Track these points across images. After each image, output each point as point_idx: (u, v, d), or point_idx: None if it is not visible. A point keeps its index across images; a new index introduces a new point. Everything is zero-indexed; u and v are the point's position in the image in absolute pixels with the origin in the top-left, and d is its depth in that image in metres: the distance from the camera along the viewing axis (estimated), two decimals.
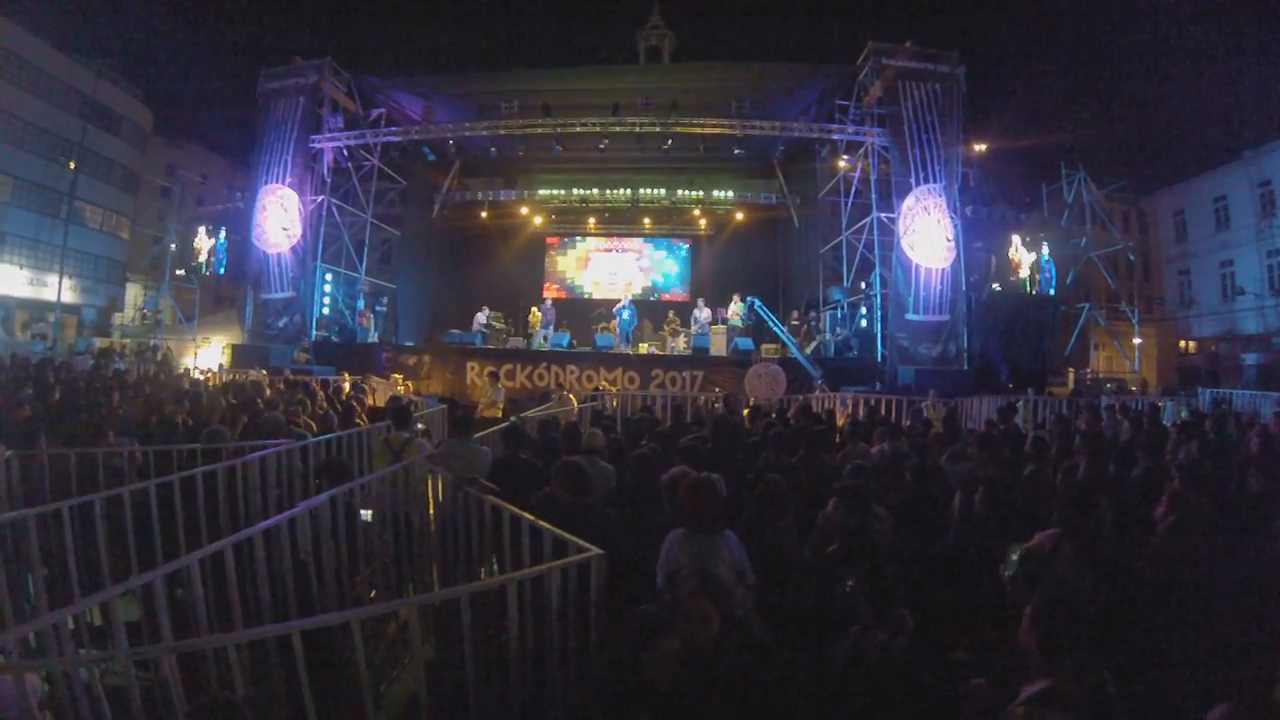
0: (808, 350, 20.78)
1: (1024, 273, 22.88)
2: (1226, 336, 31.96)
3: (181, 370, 19.72)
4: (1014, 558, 3.68)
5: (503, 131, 22.66)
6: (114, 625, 3.27)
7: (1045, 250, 23.80)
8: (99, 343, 28.45)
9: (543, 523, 4.14)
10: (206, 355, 25.63)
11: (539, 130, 22.39)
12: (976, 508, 4.86)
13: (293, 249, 21.80)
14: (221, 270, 27.57)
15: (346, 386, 15.47)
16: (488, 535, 4.70)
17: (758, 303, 20.22)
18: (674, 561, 3.96)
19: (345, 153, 23.48)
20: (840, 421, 12.00)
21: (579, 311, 25.76)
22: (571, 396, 14.68)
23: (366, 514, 5.61)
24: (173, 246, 28.28)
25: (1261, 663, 2.62)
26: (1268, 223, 29.85)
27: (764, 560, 4.22)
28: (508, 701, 3.55)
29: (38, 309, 33.94)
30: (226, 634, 3.22)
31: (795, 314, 23.97)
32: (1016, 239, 22.98)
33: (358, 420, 9.96)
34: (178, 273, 26.79)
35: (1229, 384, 24.89)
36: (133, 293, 39.80)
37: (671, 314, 24.31)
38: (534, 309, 24.71)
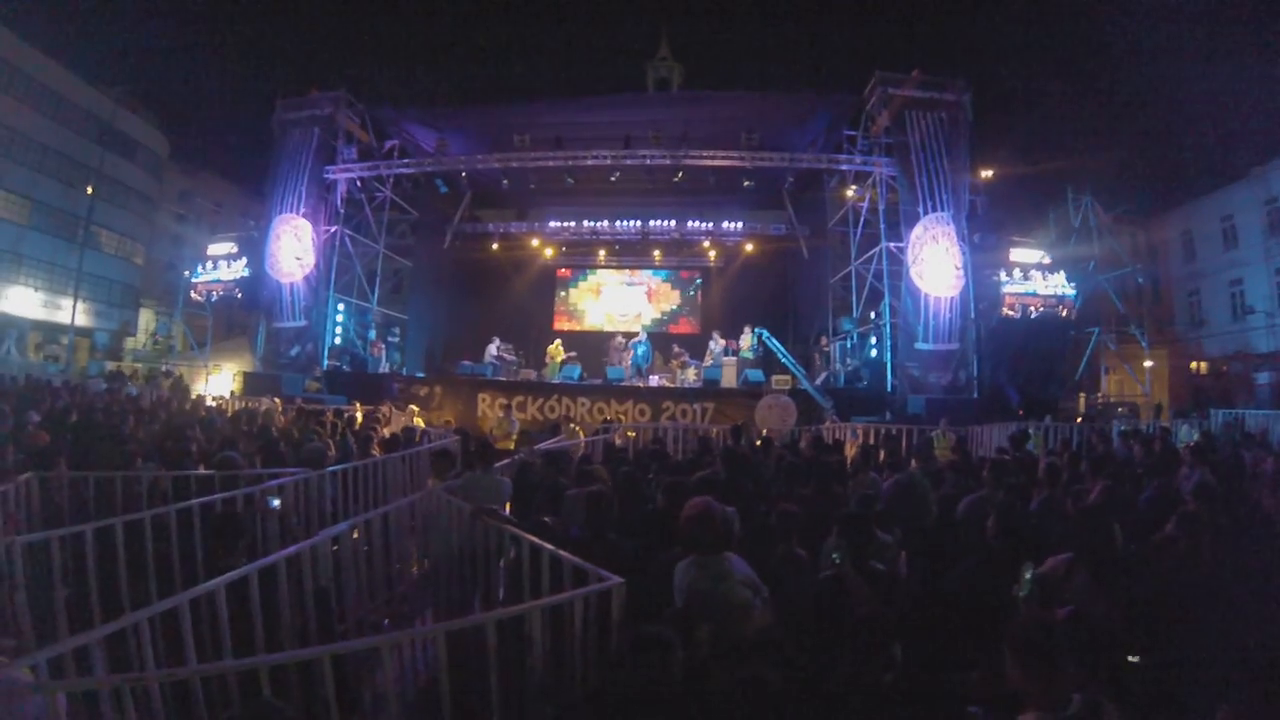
0: (818, 380, 20.78)
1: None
2: (1238, 356, 31.74)
3: (195, 396, 19.83)
4: (1028, 577, 3.70)
5: (514, 164, 22.83)
6: (143, 646, 3.33)
7: (1064, 278, 23.60)
8: (111, 366, 28.56)
9: (563, 552, 4.21)
10: (217, 382, 25.77)
11: (550, 163, 22.58)
12: (990, 534, 4.88)
13: (306, 278, 22.01)
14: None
15: (360, 416, 15.54)
16: (506, 564, 4.76)
17: (765, 334, 20.23)
18: (690, 585, 4.04)
19: (359, 184, 23.77)
20: (850, 451, 12.01)
21: (589, 343, 25.79)
22: (579, 430, 14.74)
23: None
24: (186, 273, 28.41)
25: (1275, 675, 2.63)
26: (1276, 240, 29.84)
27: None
28: None
29: (51, 331, 34.39)
30: (256, 656, 3.28)
31: (824, 339, 23.99)
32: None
33: (374, 450, 10.06)
34: (193, 296, 26.83)
35: (1242, 404, 24.74)
36: (145, 318, 40.11)
37: (676, 347, 24.17)
38: (557, 342, 24.46)
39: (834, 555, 4.12)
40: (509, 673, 3.49)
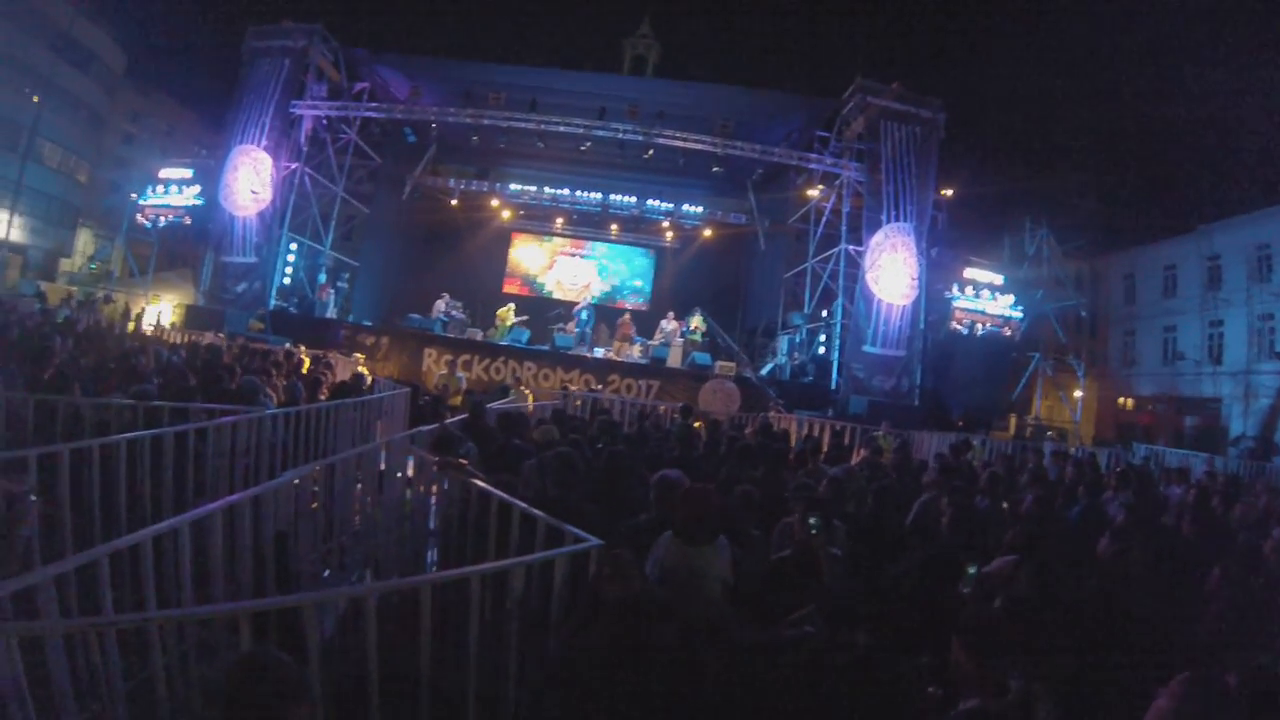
0: (763, 371, 21.01)
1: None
2: (1164, 398, 32.93)
3: (132, 326, 19.23)
4: (970, 572, 3.90)
5: (486, 121, 22.49)
6: (102, 589, 3.21)
7: (1012, 299, 24.17)
8: (45, 286, 27.33)
9: (536, 510, 4.17)
10: (155, 313, 24.97)
11: (523, 125, 22.32)
12: (944, 530, 5.07)
13: (260, 214, 21.38)
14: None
15: (307, 360, 15.23)
16: (472, 519, 4.69)
17: (706, 316, 20.47)
18: (665, 563, 4.07)
19: (324, 122, 23.16)
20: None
21: (539, 309, 25.63)
22: (528, 393, 14.71)
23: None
24: (133, 195, 27.31)
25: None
26: (1213, 295, 30.77)
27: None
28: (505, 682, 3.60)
29: None
30: (236, 603, 3.22)
31: (769, 334, 24.29)
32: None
33: (322, 395, 9.91)
34: (139, 220, 25.81)
35: (1162, 443, 25.73)
36: (82, 239, 38.22)
37: (627, 317, 24.05)
38: (509, 306, 24.00)
39: (811, 522, 4.18)
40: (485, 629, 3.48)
